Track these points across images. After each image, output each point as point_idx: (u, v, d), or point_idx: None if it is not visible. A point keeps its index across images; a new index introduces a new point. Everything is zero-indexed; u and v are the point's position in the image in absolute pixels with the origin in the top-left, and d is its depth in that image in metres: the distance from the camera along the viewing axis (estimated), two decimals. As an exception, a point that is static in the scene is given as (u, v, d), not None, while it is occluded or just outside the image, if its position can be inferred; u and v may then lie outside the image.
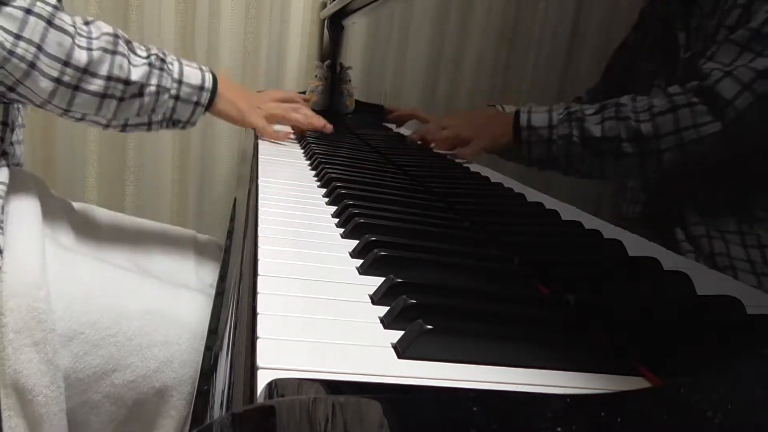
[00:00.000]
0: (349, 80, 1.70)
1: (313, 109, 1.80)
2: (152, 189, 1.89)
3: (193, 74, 0.87)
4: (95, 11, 1.75)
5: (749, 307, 0.38)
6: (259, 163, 0.84)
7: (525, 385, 0.32)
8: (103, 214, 0.99)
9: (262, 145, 1.02)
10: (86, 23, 0.79)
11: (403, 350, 0.33)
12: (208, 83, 0.89)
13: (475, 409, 0.24)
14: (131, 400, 0.68)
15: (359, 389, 0.29)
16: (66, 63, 0.74)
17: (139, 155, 1.87)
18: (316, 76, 1.83)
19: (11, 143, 0.88)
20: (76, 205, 0.97)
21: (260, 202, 0.62)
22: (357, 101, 1.68)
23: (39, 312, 0.62)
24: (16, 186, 0.79)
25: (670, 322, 0.38)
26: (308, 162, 0.93)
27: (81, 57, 0.75)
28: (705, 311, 0.40)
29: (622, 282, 0.47)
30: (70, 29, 0.75)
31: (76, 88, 0.76)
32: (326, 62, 1.86)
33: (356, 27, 1.75)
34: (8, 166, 0.80)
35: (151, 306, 0.70)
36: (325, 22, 1.98)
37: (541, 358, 0.34)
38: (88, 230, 0.89)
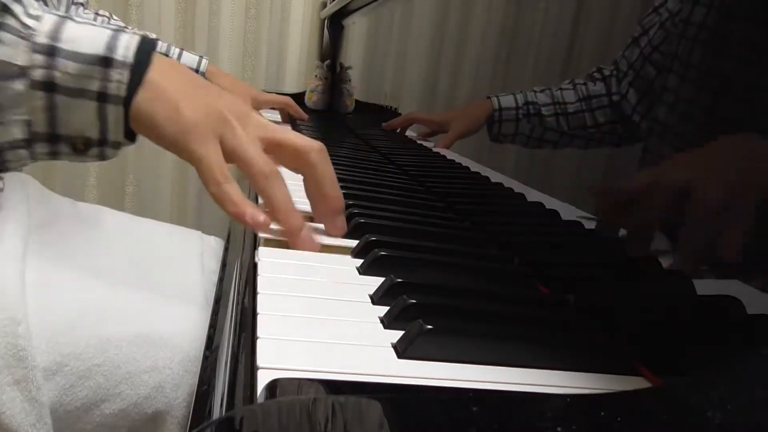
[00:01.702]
0: (349, 80, 1.70)
1: (313, 109, 1.81)
2: (152, 189, 1.89)
3: (88, 36, 0.43)
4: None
5: (749, 307, 0.38)
6: (259, 163, 0.84)
7: (525, 385, 0.32)
8: (108, 214, 0.97)
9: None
10: None
11: (403, 350, 0.33)
12: (125, 51, 0.44)
13: (475, 409, 0.24)
14: (124, 428, 0.65)
15: (359, 389, 0.29)
16: None
17: (139, 155, 1.87)
18: (316, 76, 1.83)
19: None
20: (80, 205, 0.95)
21: (260, 202, 0.62)
22: (357, 101, 1.68)
23: (18, 349, 0.58)
24: (4, 199, 0.76)
25: (670, 322, 0.38)
26: (308, 162, 0.93)
27: None
28: (705, 311, 0.40)
29: (622, 282, 0.47)
30: None
31: None
32: (326, 62, 1.86)
33: (356, 27, 1.75)
34: None
35: (139, 331, 0.67)
36: (325, 22, 1.98)
37: (541, 358, 0.34)
38: (87, 236, 0.86)
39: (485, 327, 0.36)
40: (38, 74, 0.42)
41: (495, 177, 0.76)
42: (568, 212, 0.60)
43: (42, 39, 0.42)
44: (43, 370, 0.61)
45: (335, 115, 1.73)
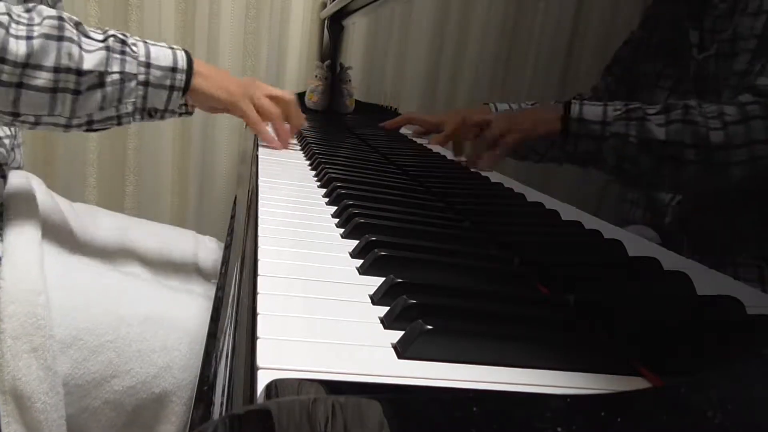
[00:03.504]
0: (349, 80, 1.70)
1: (313, 110, 1.81)
2: (152, 189, 1.89)
3: (162, 55, 0.76)
4: (95, 11, 1.76)
5: (749, 307, 0.38)
6: (259, 163, 0.84)
7: (525, 385, 0.32)
8: (104, 215, 0.99)
9: (262, 145, 1.02)
10: (27, 10, 0.68)
11: (403, 350, 0.33)
12: (182, 63, 0.78)
13: (475, 409, 0.24)
14: (131, 405, 0.67)
15: (359, 389, 0.29)
16: (1, 59, 0.64)
17: (139, 155, 1.87)
18: (316, 76, 1.83)
19: (11, 148, 0.88)
20: (76, 205, 0.97)
21: (260, 202, 0.62)
22: (357, 101, 1.68)
23: (38, 318, 0.61)
24: (15, 189, 0.79)
25: (670, 322, 0.38)
26: (308, 162, 0.93)
27: (19, 49, 0.64)
28: (705, 311, 0.40)
29: (622, 282, 0.47)
30: (3, 18, 0.65)
31: (20, 85, 0.66)
32: (326, 62, 1.86)
33: (356, 27, 1.75)
34: (6, 170, 0.80)
35: (151, 312, 0.70)
36: (325, 22, 1.98)
37: (541, 358, 0.34)
38: (89, 232, 0.88)
39: (485, 327, 0.36)
40: (142, 78, 0.75)
41: (495, 177, 0.76)
42: (568, 212, 0.60)
43: (142, 58, 0.75)
44: (59, 341, 0.63)
45: (335, 116, 1.73)
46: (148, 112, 0.77)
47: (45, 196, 0.85)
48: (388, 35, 1.39)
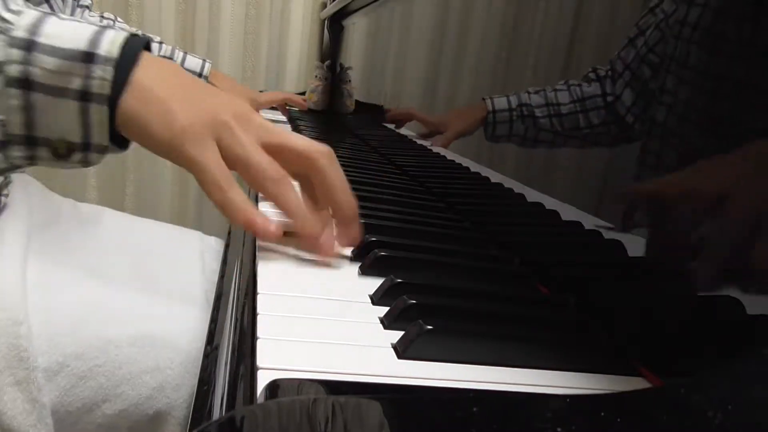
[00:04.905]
0: (349, 80, 1.70)
1: (314, 110, 1.81)
2: (152, 189, 1.89)
3: (70, 30, 0.40)
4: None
5: (749, 307, 0.38)
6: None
7: (525, 385, 0.32)
8: (109, 215, 0.97)
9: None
10: None
11: (403, 350, 0.33)
12: (110, 47, 0.40)
13: (475, 409, 0.24)
14: (125, 428, 0.65)
15: (359, 389, 0.29)
16: None
17: (139, 155, 1.87)
18: (316, 76, 1.83)
19: None
20: (81, 205, 0.95)
21: (260, 202, 0.62)
22: (357, 101, 1.68)
23: (20, 350, 0.58)
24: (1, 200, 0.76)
25: (670, 322, 0.38)
26: (308, 162, 0.93)
27: None
28: (705, 311, 0.40)
29: (622, 282, 0.47)
30: None
31: None
32: (326, 62, 1.86)
33: (356, 27, 1.75)
34: None
35: (140, 331, 0.67)
36: (325, 22, 1.98)
37: (541, 358, 0.34)
38: (89, 236, 0.86)
39: (485, 327, 0.36)
40: (14, 70, 0.39)
41: (495, 177, 0.76)
42: (568, 212, 0.60)
43: (20, 33, 0.39)
44: (44, 370, 0.61)
45: (335, 116, 1.73)
46: (53, 149, 0.41)
47: (41, 201, 0.83)
48: (388, 35, 1.39)
